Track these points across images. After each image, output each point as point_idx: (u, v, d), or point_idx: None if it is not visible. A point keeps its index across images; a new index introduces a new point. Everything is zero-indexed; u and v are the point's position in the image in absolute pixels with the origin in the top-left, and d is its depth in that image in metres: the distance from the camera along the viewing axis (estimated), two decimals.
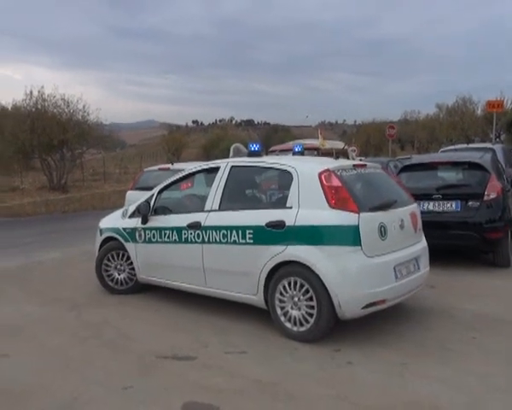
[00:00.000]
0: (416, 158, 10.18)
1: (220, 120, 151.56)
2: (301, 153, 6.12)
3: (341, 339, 4.50)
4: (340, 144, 10.50)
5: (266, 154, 8.64)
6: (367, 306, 4.28)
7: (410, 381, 3.71)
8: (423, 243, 5.11)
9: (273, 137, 59.28)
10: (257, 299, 4.75)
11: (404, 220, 4.71)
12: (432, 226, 6.60)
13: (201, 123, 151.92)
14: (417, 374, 3.80)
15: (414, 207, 5.10)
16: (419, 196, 7.32)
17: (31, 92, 20.32)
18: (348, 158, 9.88)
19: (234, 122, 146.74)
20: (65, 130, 19.86)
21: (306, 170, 4.66)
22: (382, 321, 4.91)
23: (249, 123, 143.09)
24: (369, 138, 41.96)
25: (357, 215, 4.26)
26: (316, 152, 9.26)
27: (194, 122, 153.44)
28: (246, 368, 3.97)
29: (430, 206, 7.18)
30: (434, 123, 42.17)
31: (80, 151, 22.62)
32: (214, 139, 53.35)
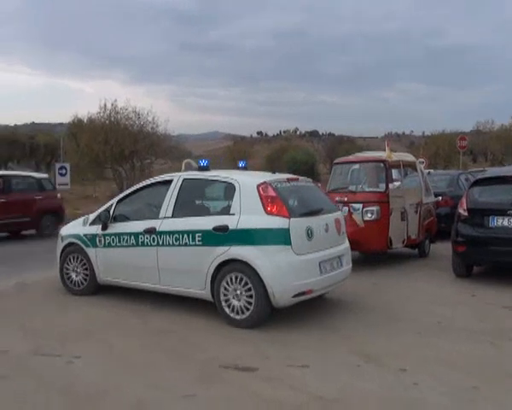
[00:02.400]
0: (491, 171, 9.67)
1: (284, 131, 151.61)
2: (245, 168, 6.77)
3: (406, 357, 4.36)
4: (408, 156, 10.14)
5: (331, 166, 8.58)
6: (296, 295, 5.09)
7: (482, 408, 3.51)
8: (346, 245, 5.96)
9: (338, 148, 58.41)
10: (205, 293, 5.44)
11: (328, 225, 5.55)
12: (507, 244, 6.25)
13: (265, 134, 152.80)
14: (490, 400, 3.59)
15: (338, 214, 5.98)
16: (493, 212, 6.95)
17: (105, 105, 21.45)
18: (416, 170, 9.57)
19: (298, 133, 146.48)
20: (135, 141, 20.74)
21: (247, 182, 5.45)
22: (448, 342, 4.71)
23: (313, 134, 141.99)
24: (438, 150, 40.40)
25: (288, 220, 5.07)
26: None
27: (258, 133, 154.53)
28: (307, 383, 3.91)
29: (505, 222, 6.79)
30: (510, 134, 39.98)
31: (149, 161, 23.47)
32: (278, 150, 53.47)
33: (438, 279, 7.49)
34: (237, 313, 5.20)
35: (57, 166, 17.77)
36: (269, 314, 5.18)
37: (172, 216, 5.70)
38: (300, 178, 6.17)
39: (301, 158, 40.66)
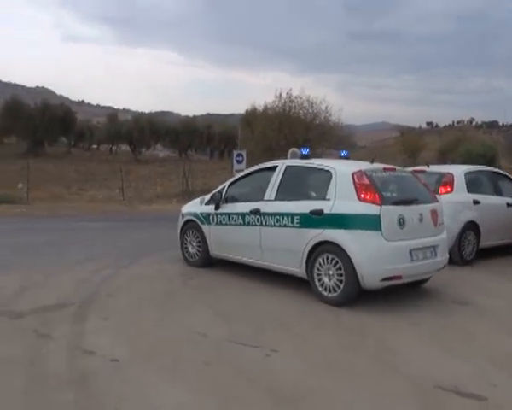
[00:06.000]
0: None
1: (458, 122, 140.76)
2: (347, 157, 6.83)
3: None
4: None
5: None
6: (384, 279, 5.31)
7: None
8: (442, 236, 5.99)
9: None
10: (300, 271, 5.83)
11: (423, 215, 5.67)
12: None
13: (436, 125, 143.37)
14: None
15: (435, 205, 5.99)
16: None
17: (280, 95, 21.78)
18: None
19: (474, 124, 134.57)
20: (308, 129, 20.70)
21: (343, 170, 5.74)
22: None
23: (492, 125, 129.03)
24: None
25: (379, 207, 5.31)
26: None
27: (428, 124, 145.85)
28: None
29: None
30: None
31: (319, 151, 23.31)
32: (451, 142, 49.42)
33: None
34: (329, 291, 5.51)
35: (234, 153, 18.47)
36: (357, 294, 5.43)
37: (275, 199, 6.17)
38: (398, 168, 6.40)
39: (479, 151, 37.01)
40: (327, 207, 5.60)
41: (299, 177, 6.41)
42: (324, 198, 5.71)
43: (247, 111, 29.76)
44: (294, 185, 6.37)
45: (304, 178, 6.46)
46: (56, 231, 10.91)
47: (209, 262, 7.20)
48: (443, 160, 38.74)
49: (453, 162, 24.32)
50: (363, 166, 5.93)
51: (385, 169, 5.96)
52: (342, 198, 5.54)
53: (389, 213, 5.37)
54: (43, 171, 25.88)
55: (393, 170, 6.14)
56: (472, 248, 8.13)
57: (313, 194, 6.16)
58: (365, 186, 5.48)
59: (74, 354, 4.06)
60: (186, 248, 7.43)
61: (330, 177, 5.75)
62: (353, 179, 5.53)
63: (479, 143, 44.12)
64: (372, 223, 5.31)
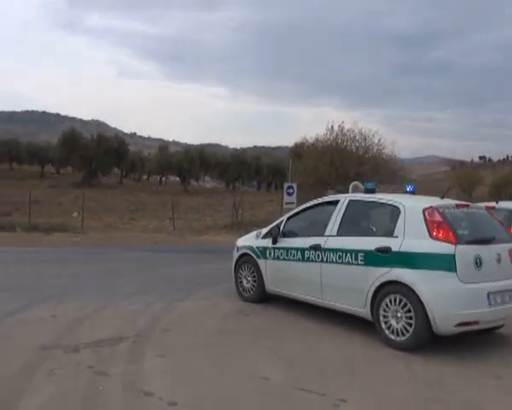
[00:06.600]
0: None
1: None
2: (413, 192, 6.39)
3: None
4: None
5: None
6: (459, 324, 4.91)
7: None
8: None
9: None
10: (364, 312, 5.47)
11: (501, 255, 5.27)
12: None
13: (489, 159, 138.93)
14: None
15: None
16: None
17: (332, 127, 21.57)
18: None
19: None
20: (360, 163, 20.32)
21: (413, 206, 5.44)
22: None
23: None
24: None
25: (453, 246, 4.96)
26: None
27: (480, 158, 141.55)
28: None
29: None
30: None
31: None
32: (506, 176, 47.53)
33: None
34: (397, 335, 5.15)
35: (285, 185, 18.31)
36: (428, 340, 5.04)
37: (337, 235, 5.89)
38: (471, 204, 6.05)
39: None
40: (395, 244, 5.27)
41: (363, 212, 6.15)
42: (392, 235, 5.39)
43: (296, 144, 29.75)
44: (358, 221, 6.13)
45: (368, 213, 6.20)
46: (110, 261, 10.97)
47: (264, 298, 6.94)
48: (497, 194, 37.17)
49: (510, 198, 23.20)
50: (434, 201, 5.61)
51: (457, 205, 5.61)
52: (412, 236, 5.21)
53: (465, 252, 5.01)
54: (96, 200, 26.59)
55: (467, 206, 5.78)
56: None
57: (379, 230, 5.86)
58: (437, 223, 5.15)
59: (131, 393, 3.85)
60: (241, 282, 7.20)
61: (399, 213, 5.43)
62: (424, 216, 5.21)
63: None
64: (446, 263, 4.94)
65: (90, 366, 4.33)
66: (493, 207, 8.18)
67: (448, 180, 52.47)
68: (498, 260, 5.25)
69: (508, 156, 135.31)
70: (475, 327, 5.06)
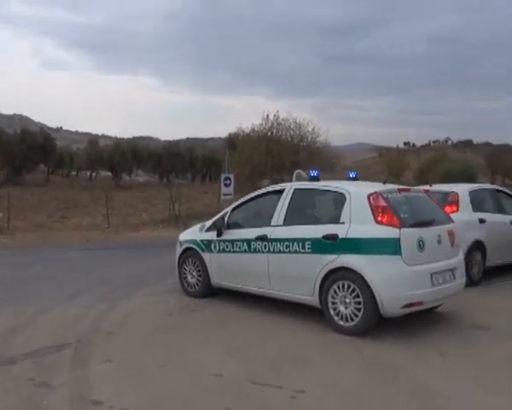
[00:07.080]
0: None
1: (434, 141, 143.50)
2: (355, 178, 6.50)
3: None
4: None
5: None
6: (406, 306, 5.05)
7: None
8: (459, 257, 5.77)
9: (501, 159, 52.90)
10: (313, 299, 5.50)
11: (441, 236, 5.44)
12: None
13: (413, 144, 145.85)
14: None
15: (451, 225, 5.77)
16: None
17: (267, 117, 21.60)
18: None
19: (449, 143, 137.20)
20: (296, 151, 20.52)
21: (358, 192, 5.52)
22: None
23: (467, 144, 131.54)
24: None
25: (398, 230, 5.06)
26: None
27: (405, 144, 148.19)
28: None
29: None
30: None
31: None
32: (430, 161, 50.07)
33: None
34: (346, 320, 5.20)
35: (222, 176, 18.16)
36: (376, 323, 5.15)
37: (283, 224, 5.85)
38: (412, 188, 6.26)
39: (458, 170, 37.47)
40: (341, 231, 5.31)
41: (308, 200, 6.16)
42: (338, 222, 5.43)
43: (230, 134, 29.61)
44: (304, 209, 6.11)
45: (314, 201, 6.22)
46: (42, 263, 10.35)
47: (210, 292, 6.81)
48: (423, 179, 39.07)
49: (433, 182, 24.36)
50: (378, 187, 5.70)
51: (400, 190, 5.72)
52: (358, 222, 5.27)
53: (409, 235, 5.13)
54: (22, 199, 25.13)
55: (408, 190, 5.93)
56: (479, 268, 7.90)
57: (325, 218, 5.90)
58: (382, 208, 5.24)
59: (79, 404, 3.61)
60: (185, 277, 7.01)
61: (344, 199, 5.47)
62: (369, 201, 5.28)
63: (457, 162, 44.84)
64: (391, 247, 5.05)
65: (30, 379, 4.04)
66: (427, 190, 8.54)
67: (377, 166, 54.60)
68: (439, 241, 5.43)
69: (429, 142, 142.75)
70: (420, 307, 5.24)
